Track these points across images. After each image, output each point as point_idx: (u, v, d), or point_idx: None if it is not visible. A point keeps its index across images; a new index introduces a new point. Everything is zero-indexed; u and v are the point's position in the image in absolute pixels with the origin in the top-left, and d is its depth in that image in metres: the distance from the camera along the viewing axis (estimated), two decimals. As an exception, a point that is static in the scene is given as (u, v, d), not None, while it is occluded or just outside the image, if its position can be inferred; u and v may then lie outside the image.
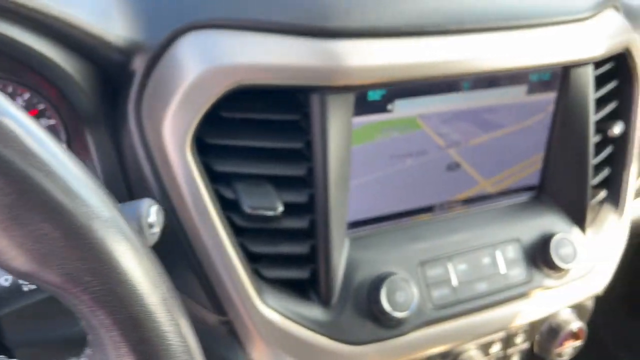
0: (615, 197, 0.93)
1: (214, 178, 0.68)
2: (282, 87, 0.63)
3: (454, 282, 0.77)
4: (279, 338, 0.69)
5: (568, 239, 0.83)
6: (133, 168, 0.69)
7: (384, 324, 0.72)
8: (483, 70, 0.72)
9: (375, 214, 0.77)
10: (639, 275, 1.95)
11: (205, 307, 0.71)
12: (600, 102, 0.91)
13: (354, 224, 0.76)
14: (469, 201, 0.84)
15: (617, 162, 0.93)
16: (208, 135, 0.65)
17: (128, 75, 0.66)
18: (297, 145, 0.67)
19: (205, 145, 0.66)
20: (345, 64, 0.62)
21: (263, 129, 0.67)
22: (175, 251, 0.68)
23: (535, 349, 0.92)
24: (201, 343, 0.77)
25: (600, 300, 2.08)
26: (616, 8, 0.89)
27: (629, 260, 1.98)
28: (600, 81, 0.89)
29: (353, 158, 0.72)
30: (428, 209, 0.81)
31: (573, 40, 0.77)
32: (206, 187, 0.65)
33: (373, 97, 0.69)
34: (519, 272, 0.81)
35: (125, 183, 0.71)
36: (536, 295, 0.83)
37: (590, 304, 0.94)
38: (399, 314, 0.71)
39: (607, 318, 2.04)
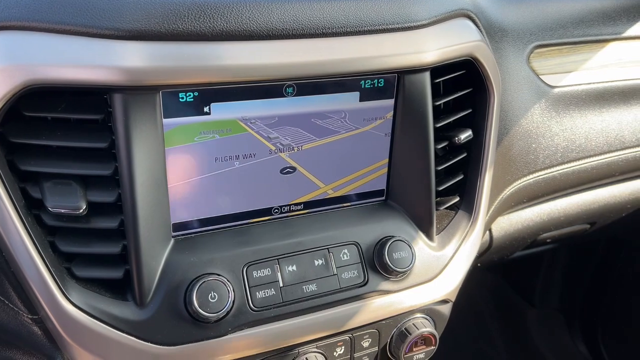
0: (468, 204, 0.94)
1: (22, 177, 0.68)
2: (79, 85, 0.64)
3: (281, 283, 0.78)
4: (85, 337, 0.69)
5: (406, 244, 0.83)
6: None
7: (200, 325, 0.73)
8: (298, 75, 0.73)
9: (204, 216, 0.78)
10: (574, 288, 1.98)
11: (16, 306, 0.71)
12: (452, 109, 0.92)
13: (182, 226, 0.77)
14: (310, 205, 0.85)
15: (469, 168, 0.94)
16: (11, 134, 0.66)
17: None
18: (102, 144, 0.67)
19: (11, 144, 0.67)
20: (132, 64, 0.63)
21: (69, 129, 0.68)
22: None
23: (389, 354, 0.92)
24: (22, 342, 0.77)
25: (536, 313, 2.08)
26: (469, 18, 0.90)
27: (565, 275, 2.00)
28: (453, 88, 0.91)
29: (171, 159, 0.72)
30: (266, 212, 0.82)
31: (400, 47, 0.78)
32: (7, 184, 0.65)
33: (185, 98, 0.70)
34: (353, 275, 0.82)
35: None
36: (373, 297, 0.83)
37: (445, 310, 0.95)
38: (210, 315, 0.71)
39: (544, 331, 2.06)
